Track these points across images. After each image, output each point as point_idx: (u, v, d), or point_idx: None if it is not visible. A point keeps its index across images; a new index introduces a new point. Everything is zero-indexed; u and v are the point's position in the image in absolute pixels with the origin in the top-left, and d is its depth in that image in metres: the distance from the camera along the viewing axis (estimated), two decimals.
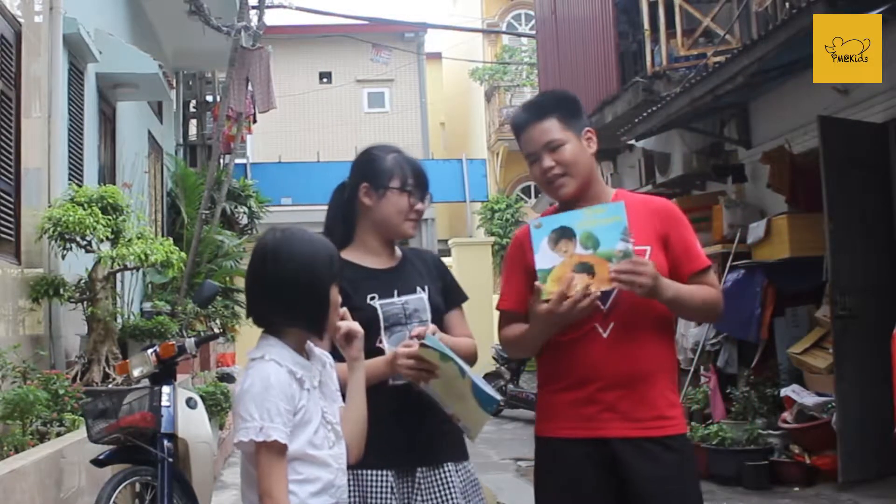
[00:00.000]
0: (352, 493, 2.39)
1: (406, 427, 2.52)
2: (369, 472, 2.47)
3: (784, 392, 6.98)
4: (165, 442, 4.14)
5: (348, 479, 2.28)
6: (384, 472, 2.49)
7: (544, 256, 2.43)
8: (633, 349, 2.50)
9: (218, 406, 7.64)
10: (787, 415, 6.85)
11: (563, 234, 2.42)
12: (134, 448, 4.14)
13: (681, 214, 2.70)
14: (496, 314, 2.79)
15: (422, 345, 2.43)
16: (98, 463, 4.19)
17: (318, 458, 2.13)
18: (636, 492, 2.47)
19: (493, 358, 11.97)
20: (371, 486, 2.48)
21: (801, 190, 7.35)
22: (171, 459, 4.13)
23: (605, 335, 2.51)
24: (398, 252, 2.73)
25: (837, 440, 6.22)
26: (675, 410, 2.59)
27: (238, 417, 2.09)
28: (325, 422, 2.18)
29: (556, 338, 2.54)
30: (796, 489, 6.45)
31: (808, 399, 6.72)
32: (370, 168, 2.66)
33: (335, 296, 2.20)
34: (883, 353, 4.99)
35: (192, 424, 4.39)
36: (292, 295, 2.13)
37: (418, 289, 2.63)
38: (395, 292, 2.59)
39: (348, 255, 2.61)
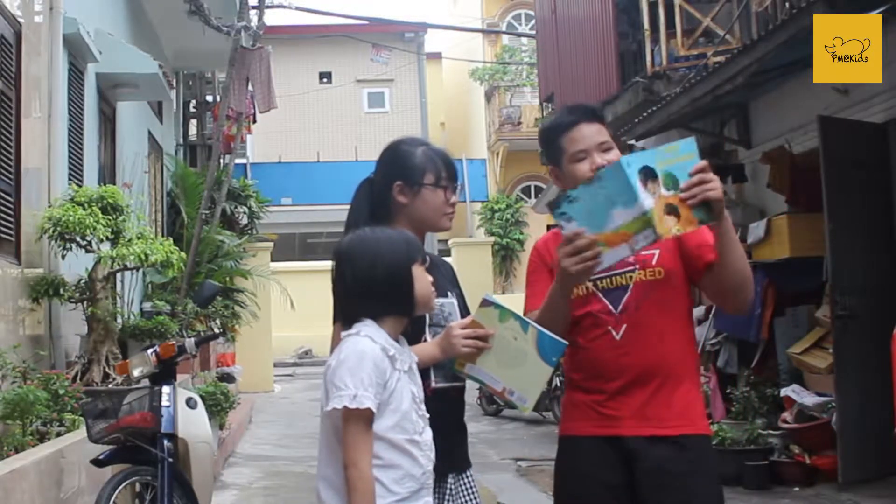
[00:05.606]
0: None
1: (443, 433, 2.46)
2: None
3: (784, 392, 6.97)
4: (165, 442, 4.13)
5: None
6: None
7: (645, 196, 2.34)
8: (647, 350, 2.54)
9: (218, 406, 7.63)
10: (787, 415, 6.84)
11: (648, 175, 2.35)
12: (134, 448, 4.14)
13: None
14: None
15: (482, 303, 2.43)
16: (98, 463, 4.18)
17: (400, 443, 2.20)
18: (650, 484, 2.50)
19: None
20: None
21: (801, 190, 7.34)
22: (171, 459, 4.12)
23: (617, 337, 2.56)
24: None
25: (837, 440, 6.22)
26: (693, 410, 2.60)
27: (332, 387, 2.18)
28: (416, 405, 2.27)
29: (575, 340, 2.58)
30: (796, 489, 6.44)
31: (808, 399, 6.71)
32: (402, 165, 2.61)
33: (420, 273, 2.30)
34: (883, 353, 4.99)
35: (192, 424, 4.38)
36: (376, 285, 2.26)
37: (448, 293, 2.62)
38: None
39: None
